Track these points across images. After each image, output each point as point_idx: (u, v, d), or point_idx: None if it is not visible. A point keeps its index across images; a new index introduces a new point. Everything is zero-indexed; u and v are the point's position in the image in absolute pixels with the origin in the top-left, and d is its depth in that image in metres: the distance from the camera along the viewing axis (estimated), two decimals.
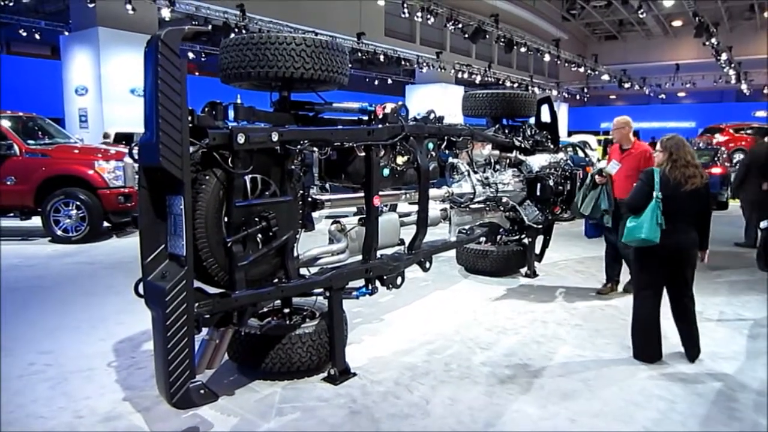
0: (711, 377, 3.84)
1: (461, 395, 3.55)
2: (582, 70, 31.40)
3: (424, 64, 25.02)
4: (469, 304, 5.46)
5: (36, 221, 8.50)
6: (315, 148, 3.60)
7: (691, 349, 4.10)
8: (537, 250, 6.61)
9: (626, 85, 34.45)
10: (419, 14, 19.42)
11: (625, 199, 4.19)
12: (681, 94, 41.34)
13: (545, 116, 6.62)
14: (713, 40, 23.27)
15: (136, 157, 2.95)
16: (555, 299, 5.66)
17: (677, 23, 31.22)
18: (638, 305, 4.16)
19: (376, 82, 31.26)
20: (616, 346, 4.39)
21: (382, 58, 23.15)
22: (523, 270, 6.55)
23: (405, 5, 18.69)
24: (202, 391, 3.05)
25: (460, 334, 4.65)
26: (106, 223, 8.67)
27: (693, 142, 14.91)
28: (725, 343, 4.45)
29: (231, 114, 3.31)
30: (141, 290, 2.99)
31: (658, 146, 4.08)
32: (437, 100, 24.66)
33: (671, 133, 4.16)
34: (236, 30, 16.67)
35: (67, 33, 18.02)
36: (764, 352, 4.31)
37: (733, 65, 29.34)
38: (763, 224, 6.05)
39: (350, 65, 3.91)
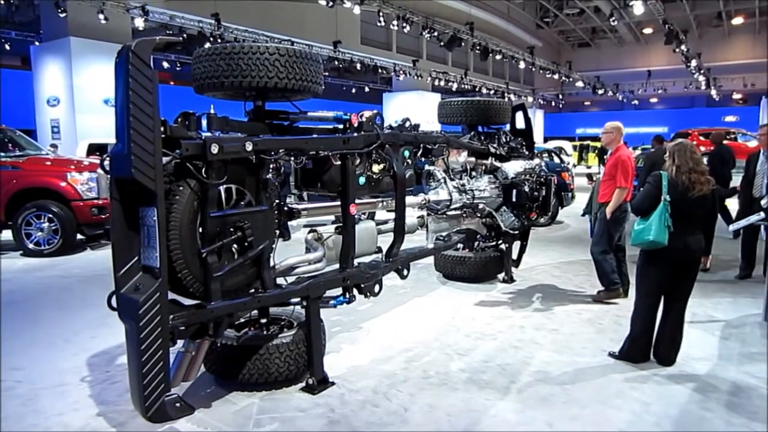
0: (684, 378, 3.91)
1: (440, 402, 3.55)
2: (556, 76, 31.92)
3: (401, 71, 25.19)
4: (447, 311, 5.48)
5: (7, 234, 8.32)
6: (291, 157, 3.60)
7: (672, 352, 4.14)
8: (514, 256, 6.68)
9: (600, 92, 35.15)
10: (395, 22, 19.57)
11: (632, 202, 4.26)
12: (653, 100, 42.24)
13: (520, 123, 6.69)
14: (683, 47, 23.88)
15: (108, 168, 2.93)
16: (532, 304, 5.71)
17: (648, 30, 31.97)
18: (642, 312, 4.15)
19: (354, 91, 31.38)
20: (593, 349, 4.44)
21: (359, 66, 23.24)
22: (501, 276, 6.60)
23: (381, 14, 18.81)
24: (177, 404, 3.03)
25: (438, 340, 4.67)
26: (79, 236, 8.52)
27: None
28: (698, 344, 4.53)
29: (204, 124, 3.29)
30: (114, 303, 2.96)
31: (667, 152, 4.14)
32: (414, 107, 24.84)
33: (680, 139, 4.24)
34: (211, 39, 16.60)
35: (38, 43, 17.77)
36: (736, 353, 4.40)
37: (702, 71, 30.11)
38: (732, 227, 6.16)
39: (327, 74, 3.92)
